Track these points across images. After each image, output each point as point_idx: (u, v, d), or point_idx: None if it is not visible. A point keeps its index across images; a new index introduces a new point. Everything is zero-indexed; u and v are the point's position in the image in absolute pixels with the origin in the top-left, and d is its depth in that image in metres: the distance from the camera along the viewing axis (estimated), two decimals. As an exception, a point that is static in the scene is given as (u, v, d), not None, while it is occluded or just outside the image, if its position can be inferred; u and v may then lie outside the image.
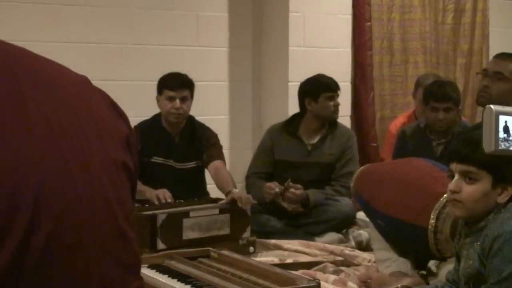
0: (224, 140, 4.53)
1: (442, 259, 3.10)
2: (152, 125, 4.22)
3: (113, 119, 0.89)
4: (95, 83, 0.91)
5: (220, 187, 4.03)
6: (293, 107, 4.60)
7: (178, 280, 2.69)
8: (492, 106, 1.28)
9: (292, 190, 4.18)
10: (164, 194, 3.92)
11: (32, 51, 0.86)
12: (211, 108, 4.90)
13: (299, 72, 4.76)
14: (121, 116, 0.91)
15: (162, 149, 4.19)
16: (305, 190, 4.20)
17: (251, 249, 3.70)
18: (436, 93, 3.99)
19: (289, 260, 3.57)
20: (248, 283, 2.59)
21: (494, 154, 1.31)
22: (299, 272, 3.02)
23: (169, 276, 2.74)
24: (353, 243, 4.01)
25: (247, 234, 3.72)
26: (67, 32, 4.51)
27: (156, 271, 2.81)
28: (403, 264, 3.19)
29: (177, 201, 3.93)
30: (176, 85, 4.09)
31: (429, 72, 5.27)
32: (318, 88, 4.33)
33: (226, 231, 3.65)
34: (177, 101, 4.08)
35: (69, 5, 4.51)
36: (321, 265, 3.47)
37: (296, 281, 2.54)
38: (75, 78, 0.88)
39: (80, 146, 0.81)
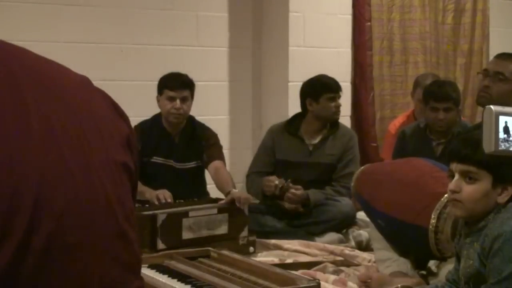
0: (224, 140, 4.53)
1: (443, 259, 3.10)
2: (152, 125, 4.22)
3: (113, 119, 0.89)
4: (95, 83, 0.91)
5: (220, 187, 4.03)
6: (293, 107, 4.60)
7: (178, 280, 2.69)
8: (492, 106, 1.28)
9: (293, 190, 4.18)
10: (164, 194, 3.92)
11: (32, 51, 0.86)
12: (211, 108, 4.90)
13: (299, 72, 4.76)
14: (122, 116, 0.91)
15: (162, 149, 4.19)
16: (306, 190, 4.21)
17: (251, 249, 3.70)
18: (436, 93, 3.99)
19: (289, 260, 3.57)
20: (248, 283, 2.59)
21: (494, 154, 1.31)
22: (299, 272, 3.02)
23: (169, 276, 2.74)
24: (353, 243, 4.01)
25: (244, 233, 3.72)
26: (67, 32, 4.51)
27: (156, 271, 2.81)
28: (403, 264, 3.19)
29: (177, 201, 3.93)
30: (176, 85, 4.09)
31: (429, 72, 5.27)
32: (319, 89, 4.33)
33: (224, 230, 3.66)
34: (178, 101, 4.08)
35: (69, 5, 4.51)
36: (321, 265, 3.47)
37: (296, 281, 2.54)
38: (76, 78, 0.88)
39: (80, 146, 0.81)
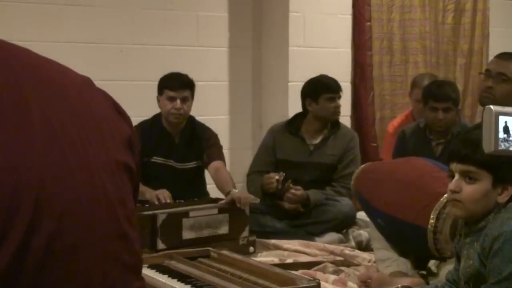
0: (224, 140, 4.53)
1: (442, 259, 3.10)
2: (152, 125, 4.22)
3: (115, 119, 0.89)
4: (95, 83, 0.91)
5: (220, 187, 4.03)
6: (293, 107, 4.60)
7: (178, 280, 2.69)
8: (492, 106, 1.28)
9: (293, 191, 4.18)
10: (164, 194, 3.92)
11: (33, 51, 0.86)
12: (211, 108, 4.90)
13: (299, 72, 4.76)
14: (123, 117, 0.91)
15: (162, 149, 4.19)
16: (306, 190, 4.21)
17: (251, 249, 3.70)
18: (436, 93, 3.99)
19: (289, 260, 3.57)
20: (248, 283, 2.59)
21: (494, 154, 1.31)
22: (299, 272, 3.02)
23: (169, 276, 2.74)
24: (353, 243, 4.01)
25: (245, 233, 3.72)
26: (67, 32, 4.51)
27: (156, 271, 2.81)
28: (403, 264, 3.19)
29: (177, 201, 3.93)
30: (176, 85, 4.09)
31: (426, 72, 5.26)
32: (318, 89, 4.33)
33: (225, 230, 3.66)
34: (178, 101, 4.08)
35: (69, 5, 4.51)
36: (321, 265, 3.47)
37: (296, 281, 2.54)
38: (77, 78, 0.88)
39: (81, 147, 0.81)
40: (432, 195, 2.98)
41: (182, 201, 3.92)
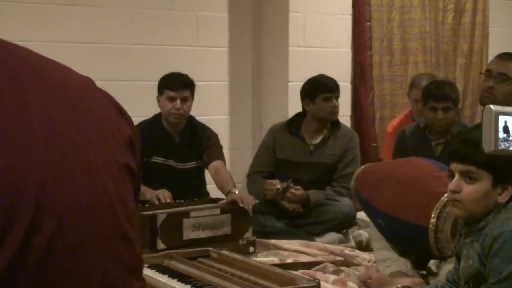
0: (224, 140, 4.53)
1: (443, 258, 3.10)
2: (152, 125, 4.22)
3: (116, 120, 0.88)
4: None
5: (220, 187, 4.03)
6: (293, 107, 4.60)
7: (178, 280, 2.69)
8: (491, 106, 1.28)
9: (292, 190, 4.18)
10: (164, 194, 3.92)
11: (34, 51, 0.86)
12: (211, 108, 4.90)
13: (299, 72, 4.76)
14: (124, 117, 0.91)
15: (162, 149, 4.19)
16: (306, 190, 4.20)
17: (251, 249, 3.70)
18: (435, 92, 3.99)
19: (289, 260, 3.57)
20: (248, 283, 2.59)
21: (494, 154, 1.31)
22: (299, 272, 3.02)
23: (169, 276, 2.74)
24: (353, 243, 4.01)
25: (249, 234, 3.72)
26: (67, 32, 4.51)
27: (156, 271, 2.81)
28: (403, 264, 3.19)
29: (177, 201, 3.93)
30: (177, 85, 4.09)
31: (428, 72, 5.26)
32: (315, 89, 4.33)
33: (227, 231, 3.65)
34: (178, 101, 4.08)
35: (69, 5, 4.51)
36: (321, 265, 3.47)
37: (296, 281, 2.54)
38: (78, 78, 0.88)
39: (82, 147, 0.81)
40: (432, 195, 2.98)
41: (182, 201, 3.92)
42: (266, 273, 2.66)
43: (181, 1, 4.87)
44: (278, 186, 4.17)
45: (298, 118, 4.46)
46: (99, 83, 0.90)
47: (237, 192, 3.85)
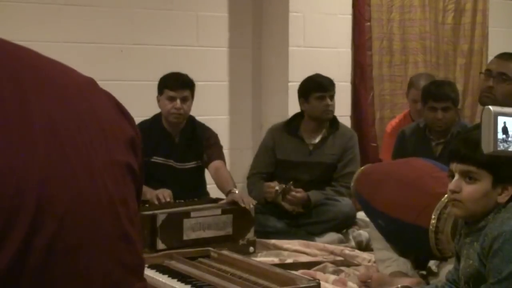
0: (224, 140, 4.53)
1: (443, 259, 3.10)
2: (152, 125, 4.22)
3: (118, 120, 0.88)
4: (94, 83, 0.91)
5: (220, 187, 4.03)
6: (293, 107, 4.60)
7: (178, 280, 2.69)
8: (490, 107, 1.28)
9: (293, 193, 4.18)
10: (164, 194, 3.92)
11: (35, 51, 0.86)
12: (211, 108, 4.90)
13: (299, 72, 4.76)
14: (127, 117, 0.91)
15: (162, 149, 4.19)
16: (306, 190, 4.20)
17: (251, 249, 3.70)
18: (435, 92, 3.99)
19: (289, 260, 3.57)
20: (248, 283, 2.59)
21: (493, 155, 1.31)
22: (299, 272, 3.02)
23: (169, 276, 2.74)
24: (353, 243, 4.01)
25: (250, 234, 3.71)
26: (67, 32, 4.51)
27: (156, 271, 2.81)
28: (403, 264, 3.19)
29: (177, 201, 3.93)
30: (176, 85, 4.09)
31: (428, 72, 5.26)
32: (308, 89, 4.34)
33: (228, 231, 3.65)
34: (178, 101, 4.08)
35: (69, 5, 4.51)
36: (321, 265, 3.47)
37: (296, 281, 2.54)
38: (79, 79, 0.88)
39: (83, 147, 0.81)
40: (432, 196, 2.98)
41: (182, 201, 3.92)
42: (266, 273, 2.66)
43: (181, 1, 4.87)
44: (277, 187, 4.17)
45: (297, 118, 4.46)
46: (99, 83, 0.90)
47: (237, 192, 3.85)
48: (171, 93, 4.09)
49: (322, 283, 2.74)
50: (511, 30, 6.10)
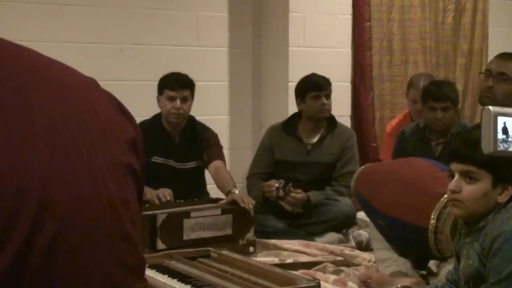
0: (224, 140, 4.53)
1: (443, 259, 3.10)
2: (152, 125, 4.22)
3: (119, 121, 0.88)
4: (94, 83, 0.91)
5: (220, 187, 4.03)
6: (293, 107, 4.60)
7: (178, 280, 2.69)
8: (490, 107, 1.28)
9: (293, 194, 4.18)
10: (164, 193, 3.92)
11: (36, 51, 0.86)
12: (211, 108, 4.90)
13: (299, 72, 4.76)
14: (128, 117, 0.91)
15: (162, 149, 4.19)
16: (305, 190, 4.20)
17: (251, 249, 3.70)
18: (434, 92, 3.99)
19: (289, 260, 3.57)
20: (248, 283, 2.59)
21: (493, 155, 1.31)
22: (299, 272, 3.02)
23: (169, 276, 2.75)
24: (353, 243, 4.01)
25: (250, 234, 3.71)
26: (67, 32, 4.51)
27: (156, 271, 2.81)
28: (403, 264, 3.19)
29: (177, 201, 3.93)
30: (176, 85, 4.09)
31: (428, 72, 5.26)
32: (304, 88, 4.35)
33: (228, 231, 3.65)
34: (178, 101, 4.09)
35: (69, 5, 4.51)
36: (321, 265, 3.47)
37: (296, 281, 2.54)
38: (80, 79, 0.88)
39: (84, 147, 0.81)
40: (432, 196, 2.98)
41: (182, 201, 3.92)
42: (266, 273, 2.67)
43: (181, 1, 4.88)
44: (277, 184, 4.17)
45: (295, 118, 4.47)
46: (99, 83, 0.90)
47: (237, 192, 3.85)
48: (171, 93, 4.09)
49: (322, 283, 2.74)
50: (511, 30, 6.10)
